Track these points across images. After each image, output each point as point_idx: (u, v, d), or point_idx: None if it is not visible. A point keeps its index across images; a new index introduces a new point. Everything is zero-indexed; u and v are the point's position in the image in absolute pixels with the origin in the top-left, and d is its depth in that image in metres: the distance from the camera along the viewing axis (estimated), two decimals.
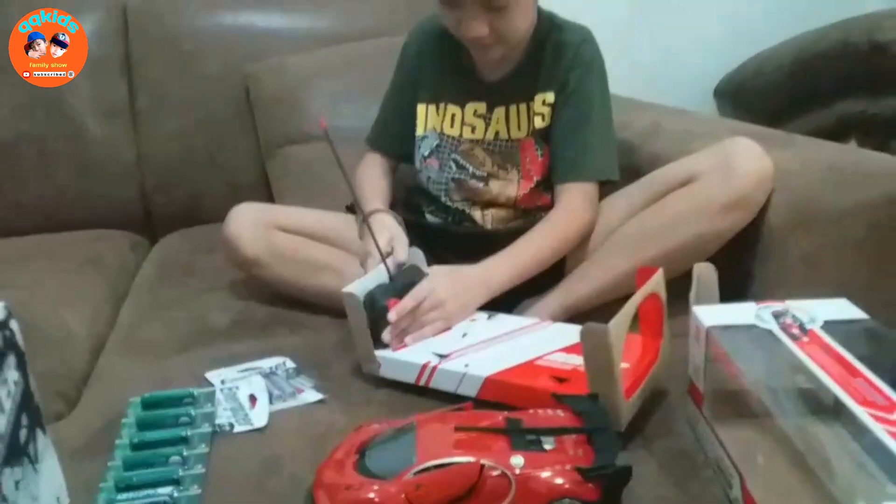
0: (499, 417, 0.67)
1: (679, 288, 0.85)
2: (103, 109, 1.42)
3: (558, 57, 1.02)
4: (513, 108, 1.03)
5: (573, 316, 0.95)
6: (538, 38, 1.03)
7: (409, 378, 0.82)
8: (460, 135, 1.05)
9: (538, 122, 1.03)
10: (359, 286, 0.83)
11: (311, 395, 0.81)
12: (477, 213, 1.05)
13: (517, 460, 0.61)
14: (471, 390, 0.79)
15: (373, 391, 0.83)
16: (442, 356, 0.82)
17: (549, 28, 1.03)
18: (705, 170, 0.91)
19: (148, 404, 0.77)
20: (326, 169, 1.30)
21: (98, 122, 1.42)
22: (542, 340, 0.85)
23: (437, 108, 1.07)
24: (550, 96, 1.02)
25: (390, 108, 1.13)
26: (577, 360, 0.77)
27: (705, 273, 0.79)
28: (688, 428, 0.73)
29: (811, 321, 0.67)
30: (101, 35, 1.42)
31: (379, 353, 0.83)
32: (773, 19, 1.86)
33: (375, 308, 0.84)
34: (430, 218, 1.09)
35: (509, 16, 0.93)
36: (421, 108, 1.08)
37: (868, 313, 0.91)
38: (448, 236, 1.06)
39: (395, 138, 1.12)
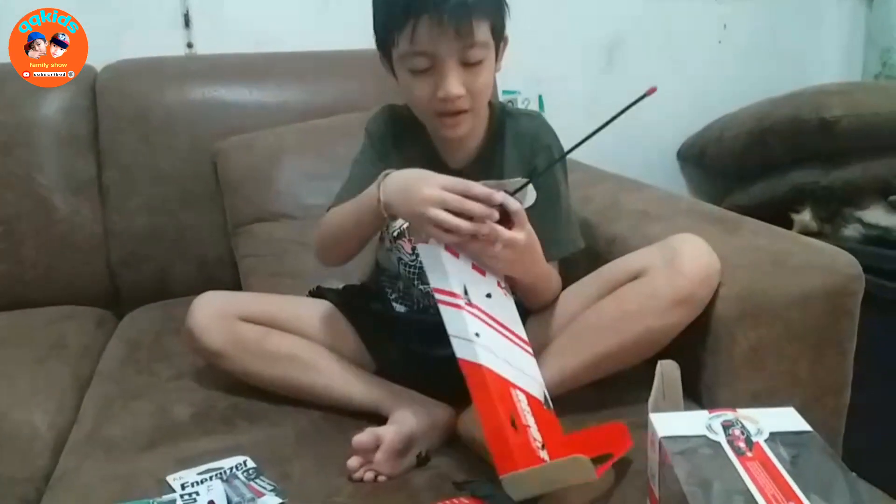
0: None
1: (633, 378, 0.88)
2: (71, 186, 1.43)
3: (519, 143, 1.06)
4: None
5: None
6: (494, 125, 1.06)
7: (436, 281, 0.83)
8: None
9: None
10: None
11: (270, 500, 0.82)
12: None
13: None
14: (463, 354, 0.82)
15: (334, 494, 0.84)
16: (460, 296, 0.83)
17: (503, 116, 1.06)
18: (653, 266, 0.94)
19: None
20: (293, 248, 1.34)
21: (65, 199, 1.43)
22: (523, 367, 0.87)
23: None
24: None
25: (360, 175, 1.08)
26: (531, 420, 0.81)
27: (669, 370, 0.82)
28: None
29: (758, 433, 0.69)
30: (70, 111, 1.44)
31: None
32: (732, 86, 1.93)
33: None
34: (397, 307, 1.10)
35: (482, 73, 0.95)
36: None
37: (811, 403, 0.96)
38: (419, 327, 1.06)
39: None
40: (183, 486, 0.83)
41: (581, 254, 1.24)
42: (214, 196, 1.45)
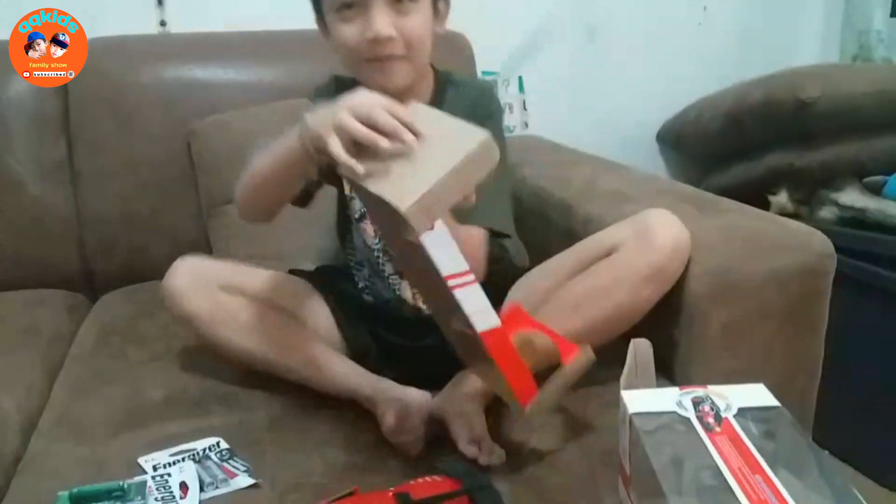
0: (388, 494, 0.70)
1: (606, 355, 0.88)
2: (41, 168, 1.41)
3: (460, 110, 1.04)
4: None
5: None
6: (437, 91, 1.03)
7: (447, 265, 0.72)
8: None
9: None
10: None
11: (243, 480, 0.81)
12: (407, 293, 1.05)
13: None
14: (483, 325, 0.73)
15: (306, 475, 0.83)
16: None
17: (446, 82, 1.04)
18: (625, 241, 0.94)
19: (76, 500, 0.76)
20: (269, 230, 1.33)
21: (36, 181, 1.41)
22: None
23: None
24: None
25: None
26: None
27: (642, 349, 0.82)
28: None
29: (727, 408, 0.70)
30: (39, 92, 1.41)
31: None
32: (711, 69, 1.94)
33: None
34: (365, 296, 1.09)
35: (414, 15, 0.91)
36: None
37: (783, 381, 0.97)
38: (387, 318, 1.05)
39: None
40: (155, 468, 0.83)
41: (558, 235, 1.24)
42: (189, 178, 1.43)
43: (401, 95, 0.94)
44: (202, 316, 0.98)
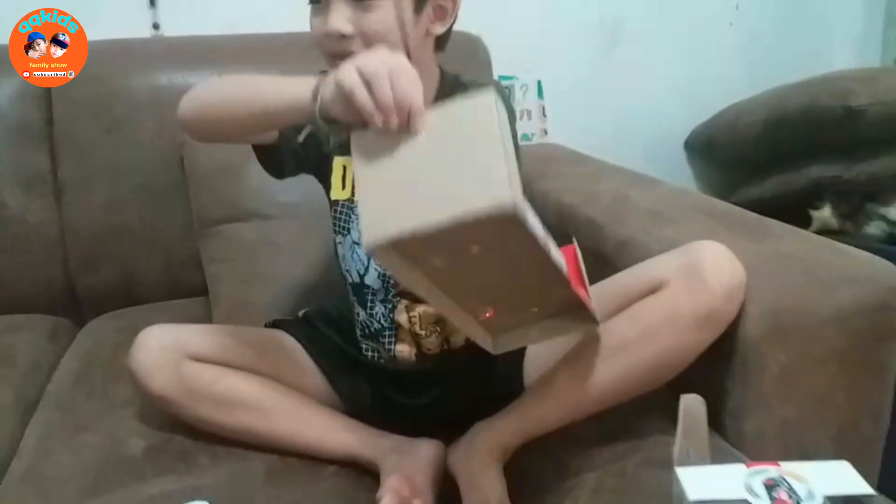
0: None
1: (646, 404, 0.76)
2: (22, 180, 1.30)
3: None
4: None
5: (531, 441, 0.85)
6: (444, 91, 0.91)
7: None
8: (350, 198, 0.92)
9: None
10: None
11: None
12: (402, 317, 0.91)
13: None
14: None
15: None
16: None
17: (454, 85, 0.92)
18: (673, 278, 0.82)
19: None
20: (265, 251, 1.22)
21: (16, 194, 1.30)
22: None
23: None
24: None
25: None
26: None
27: (693, 406, 0.70)
28: None
29: (809, 497, 0.58)
30: (21, 98, 1.30)
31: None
32: (744, 71, 1.82)
33: None
34: (366, 351, 0.95)
35: (374, 12, 0.80)
36: (339, 163, 0.93)
37: (845, 429, 0.85)
38: (393, 376, 0.93)
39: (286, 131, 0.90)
40: None
41: (588, 255, 1.13)
42: (182, 191, 1.32)
43: None
44: (173, 394, 0.86)
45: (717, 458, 0.67)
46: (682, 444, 0.67)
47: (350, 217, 0.93)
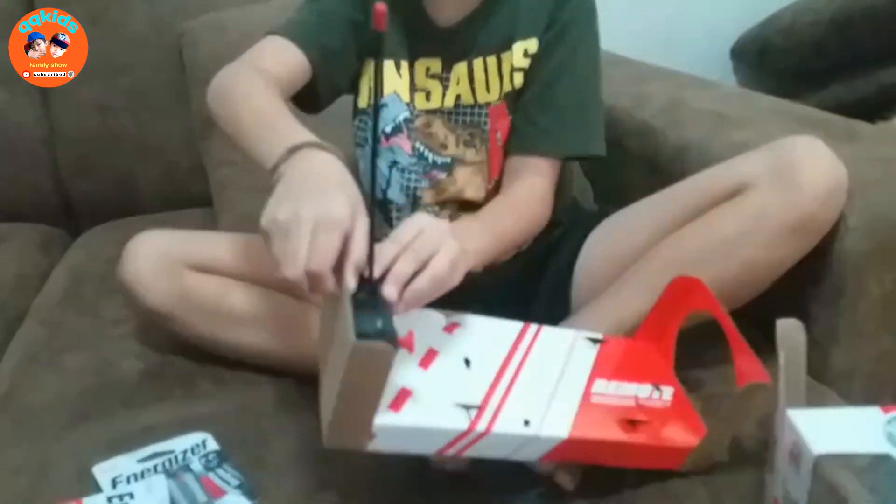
0: None
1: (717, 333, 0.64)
2: (4, 76, 1.16)
3: (534, 3, 0.80)
4: (478, 62, 0.80)
5: None
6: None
7: (427, 449, 0.57)
8: (411, 103, 0.82)
9: (518, 81, 0.80)
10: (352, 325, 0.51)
11: (234, 502, 0.60)
12: None
13: None
14: (534, 454, 0.59)
15: (317, 491, 0.61)
16: (472, 407, 0.57)
17: None
18: (758, 179, 0.69)
19: None
20: None
21: None
22: (560, 361, 0.66)
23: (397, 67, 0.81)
24: (533, 44, 0.79)
25: (322, 13, 0.80)
26: (627, 390, 0.64)
27: (792, 333, 0.58)
28: None
29: None
30: None
31: (383, 420, 0.54)
32: None
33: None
34: None
35: None
36: (369, 66, 0.82)
37: None
38: None
39: (321, 48, 0.78)
40: (114, 483, 0.61)
41: (639, 168, 1.00)
42: (182, 90, 1.18)
43: None
44: (174, 310, 0.74)
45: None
46: (787, 380, 0.55)
47: (367, 124, 0.83)
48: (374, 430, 0.53)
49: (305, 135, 0.61)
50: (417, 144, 0.82)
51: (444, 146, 0.82)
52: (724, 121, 0.94)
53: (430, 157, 0.82)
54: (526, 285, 0.84)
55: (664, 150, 0.96)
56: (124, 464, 0.63)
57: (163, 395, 0.74)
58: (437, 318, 0.66)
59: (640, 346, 0.70)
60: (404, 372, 0.57)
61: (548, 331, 0.69)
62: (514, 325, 0.69)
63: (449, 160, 0.82)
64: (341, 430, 0.53)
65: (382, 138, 0.82)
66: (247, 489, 0.61)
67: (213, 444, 0.66)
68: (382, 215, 0.85)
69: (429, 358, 0.61)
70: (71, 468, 0.64)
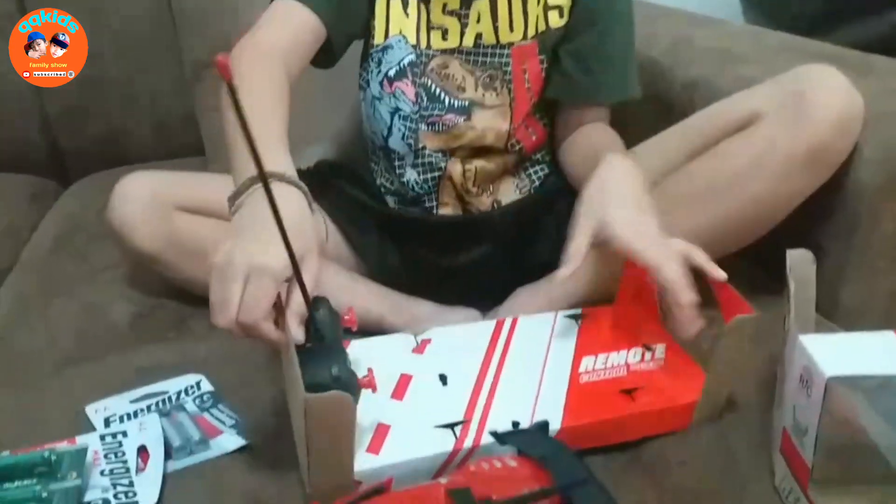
0: (440, 491, 0.46)
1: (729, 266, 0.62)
2: None
3: None
4: None
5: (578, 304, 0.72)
6: None
7: (423, 477, 0.53)
8: (427, 44, 0.77)
9: (554, 19, 0.76)
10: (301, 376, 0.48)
11: (228, 441, 0.58)
12: (457, 169, 0.79)
13: None
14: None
15: None
16: (456, 424, 0.56)
17: None
18: (769, 109, 0.66)
19: None
20: None
21: None
22: (542, 348, 0.65)
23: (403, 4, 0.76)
24: None
25: None
26: (616, 360, 0.63)
27: (802, 264, 0.56)
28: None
29: None
30: None
31: (363, 466, 0.52)
32: None
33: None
34: (388, 199, 0.83)
35: None
36: (382, 4, 0.76)
37: None
38: (420, 228, 0.80)
39: (332, 3, 0.72)
40: (107, 422, 0.60)
41: (647, 104, 0.97)
42: (171, 35, 1.14)
43: None
44: (163, 252, 0.72)
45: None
46: (797, 307, 0.53)
47: (370, 67, 0.79)
48: (357, 475, 0.51)
49: (276, 161, 0.55)
50: (433, 86, 0.77)
51: (462, 88, 0.77)
52: (730, 58, 0.91)
53: (448, 99, 0.77)
54: (537, 223, 0.81)
55: (674, 86, 0.94)
56: (117, 404, 0.62)
57: (153, 337, 0.73)
58: (406, 340, 0.65)
59: (621, 310, 0.69)
60: (377, 408, 0.56)
61: (525, 321, 0.68)
62: (487, 326, 0.67)
63: (466, 103, 0.77)
64: (322, 478, 0.51)
65: (385, 83, 0.78)
66: (242, 429, 0.60)
67: (207, 385, 0.65)
68: (387, 164, 0.82)
69: (402, 386, 0.60)
70: (64, 409, 0.62)
